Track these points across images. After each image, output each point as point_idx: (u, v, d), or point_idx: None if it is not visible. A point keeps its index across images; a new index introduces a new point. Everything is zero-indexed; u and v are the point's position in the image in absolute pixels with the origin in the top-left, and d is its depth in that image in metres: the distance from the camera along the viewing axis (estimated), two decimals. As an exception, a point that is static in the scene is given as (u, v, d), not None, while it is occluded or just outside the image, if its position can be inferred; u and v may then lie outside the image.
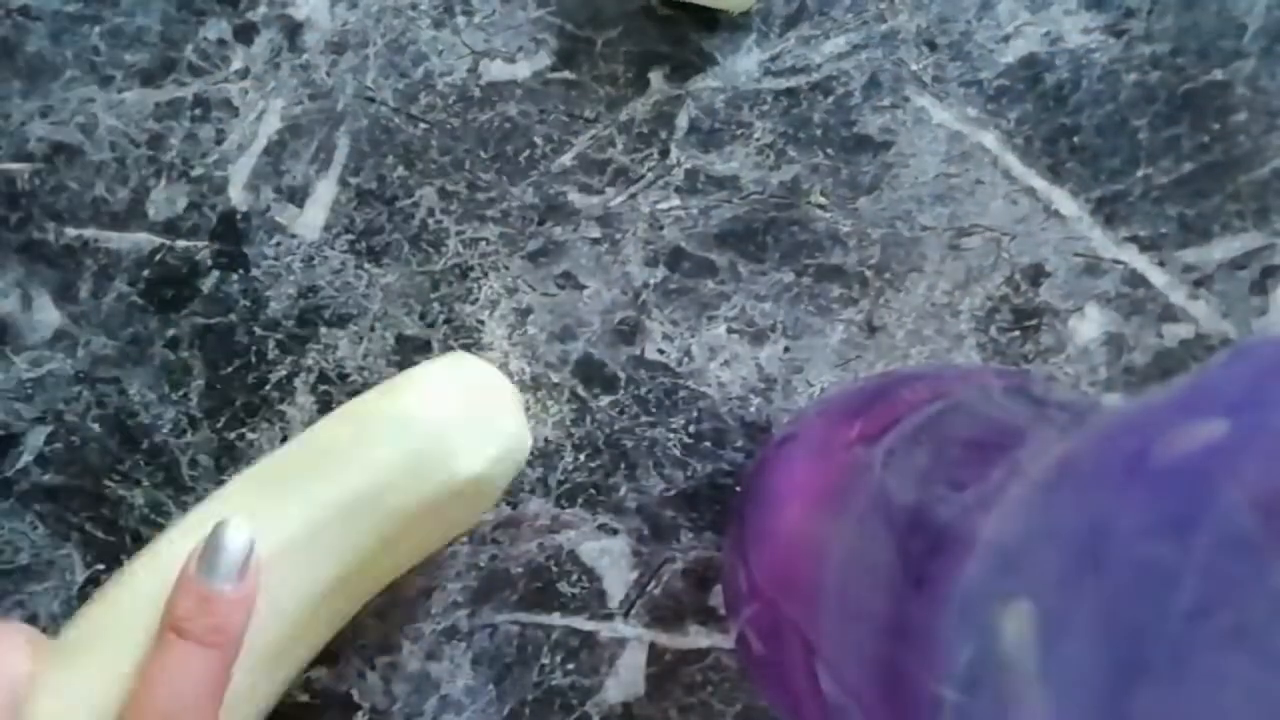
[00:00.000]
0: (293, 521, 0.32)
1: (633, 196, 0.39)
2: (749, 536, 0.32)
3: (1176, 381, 0.16)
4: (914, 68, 0.39)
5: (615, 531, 0.38)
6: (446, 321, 0.38)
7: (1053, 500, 0.16)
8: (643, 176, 0.39)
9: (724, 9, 0.37)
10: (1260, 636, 0.12)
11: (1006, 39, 0.39)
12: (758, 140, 0.39)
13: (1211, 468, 0.14)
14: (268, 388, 0.39)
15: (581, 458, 0.38)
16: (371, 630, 0.39)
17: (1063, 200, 0.38)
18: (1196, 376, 0.16)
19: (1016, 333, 0.38)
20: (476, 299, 0.39)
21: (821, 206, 0.39)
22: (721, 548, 0.38)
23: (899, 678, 0.20)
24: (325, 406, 0.38)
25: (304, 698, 0.39)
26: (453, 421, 0.33)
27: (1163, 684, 0.12)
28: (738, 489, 0.38)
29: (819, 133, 0.39)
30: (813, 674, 0.25)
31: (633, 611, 0.38)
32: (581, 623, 0.38)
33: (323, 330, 0.38)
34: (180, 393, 0.38)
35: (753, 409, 0.39)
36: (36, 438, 0.38)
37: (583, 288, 0.39)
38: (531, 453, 0.38)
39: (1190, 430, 0.14)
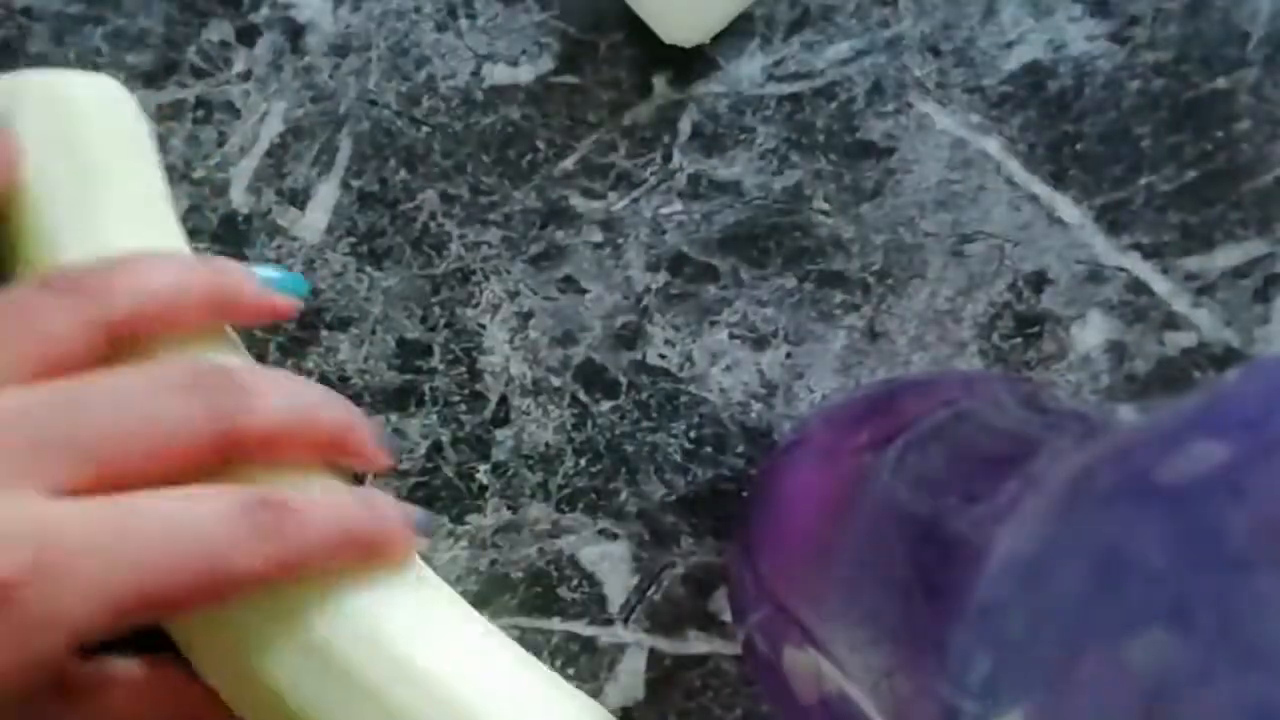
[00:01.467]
0: None
1: (635, 201, 0.39)
2: (756, 542, 0.32)
3: (1190, 398, 0.16)
4: (917, 74, 0.39)
5: (616, 536, 0.38)
6: (448, 325, 0.38)
7: (1069, 516, 0.16)
8: (645, 181, 0.39)
9: (674, 43, 0.37)
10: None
11: (1010, 46, 0.39)
12: (760, 145, 0.39)
13: (1219, 489, 0.14)
14: (268, 391, 0.38)
15: (582, 462, 0.38)
16: (371, 634, 0.39)
17: (1065, 207, 0.38)
18: (1209, 394, 0.16)
19: (1018, 339, 0.38)
20: (478, 303, 0.38)
21: (824, 212, 0.39)
22: (723, 553, 0.38)
23: (910, 686, 0.20)
24: (326, 410, 0.38)
25: (303, 701, 0.39)
26: None
27: (1184, 703, 0.12)
28: (742, 494, 0.38)
29: (822, 138, 0.39)
30: (820, 679, 0.25)
31: (633, 617, 0.38)
32: (581, 628, 0.38)
33: (324, 333, 0.38)
34: (180, 395, 0.38)
35: (754, 414, 0.39)
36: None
37: (584, 292, 0.39)
38: (533, 457, 0.38)
39: (1200, 449, 0.14)
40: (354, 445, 0.32)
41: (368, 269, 0.38)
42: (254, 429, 0.29)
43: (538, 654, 0.38)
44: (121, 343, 0.30)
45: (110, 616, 0.26)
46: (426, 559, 0.37)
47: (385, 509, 0.32)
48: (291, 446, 0.31)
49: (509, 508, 0.38)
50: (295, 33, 0.38)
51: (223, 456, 0.29)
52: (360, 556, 0.31)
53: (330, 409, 0.32)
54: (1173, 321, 0.38)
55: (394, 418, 0.38)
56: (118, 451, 0.27)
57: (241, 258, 0.38)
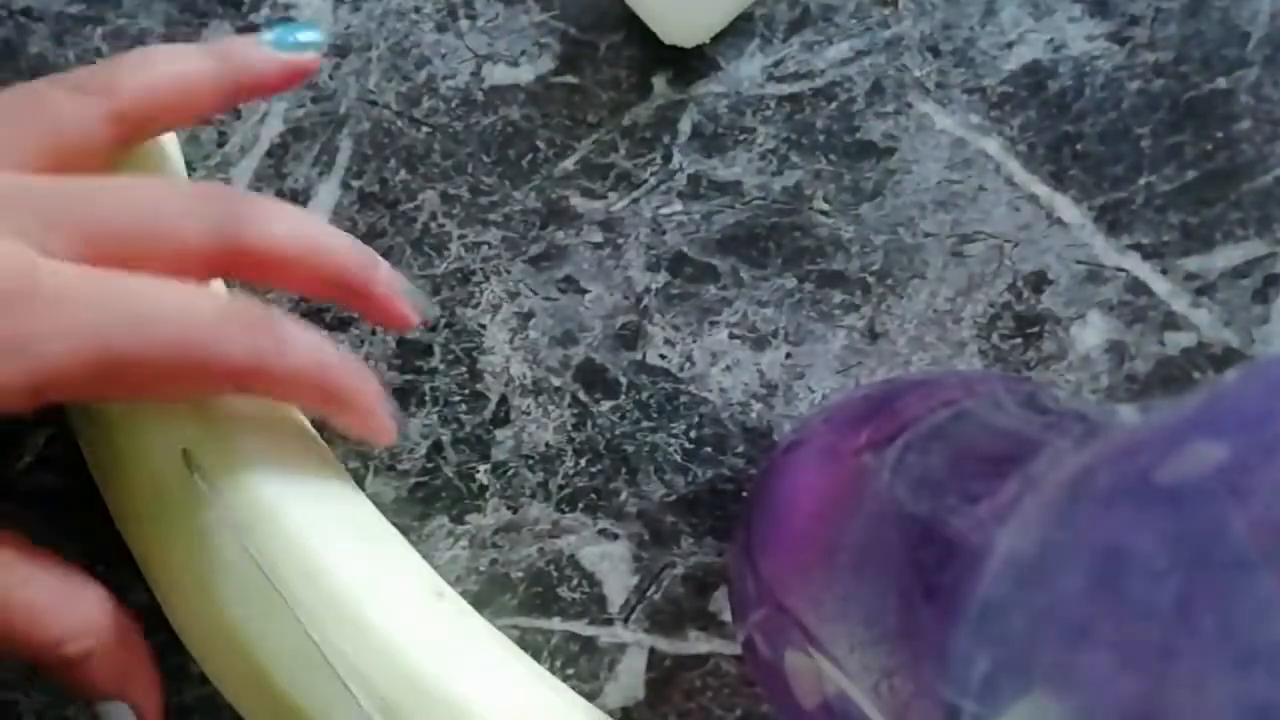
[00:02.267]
0: None
1: (635, 201, 0.39)
2: (756, 542, 0.32)
3: (1190, 399, 0.16)
4: (917, 74, 0.39)
5: (616, 536, 0.38)
6: (448, 325, 0.38)
7: (1069, 516, 0.16)
8: (645, 181, 0.39)
9: (674, 43, 0.37)
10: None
11: (1010, 46, 0.39)
12: (760, 146, 0.39)
13: (1218, 489, 0.14)
14: (268, 391, 0.38)
15: (582, 462, 0.38)
16: (371, 634, 0.39)
17: (1065, 207, 0.39)
18: (1209, 395, 0.16)
19: (1018, 340, 0.38)
20: (478, 303, 0.39)
21: (824, 212, 0.39)
22: (724, 553, 0.38)
23: (910, 686, 0.20)
24: (326, 410, 0.38)
25: (303, 701, 0.39)
26: None
27: (1184, 704, 0.13)
28: (743, 494, 0.38)
29: (822, 139, 0.39)
30: (820, 680, 0.25)
31: (633, 616, 0.38)
32: (581, 628, 0.38)
33: (324, 333, 0.38)
34: (181, 395, 0.38)
35: (754, 415, 0.39)
36: (38, 439, 0.38)
37: (584, 292, 0.39)
38: (533, 457, 0.38)
39: (1199, 450, 0.14)
40: (357, 284, 0.31)
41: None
42: (254, 246, 0.29)
43: (537, 654, 0.38)
44: (132, 133, 0.30)
45: (79, 365, 0.25)
46: (427, 558, 0.37)
47: (364, 374, 0.32)
48: (288, 273, 0.30)
49: (509, 508, 0.38)
50: (295, 33, 0.38)
51: (217, 268, 0.29)
52: (325, 402, 0.31)
53: (334, 242, 0.31)
54: (1172, 322, 0.38)
55: (394, 418, 0.38)
56: (115, 240, 0.27)
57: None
